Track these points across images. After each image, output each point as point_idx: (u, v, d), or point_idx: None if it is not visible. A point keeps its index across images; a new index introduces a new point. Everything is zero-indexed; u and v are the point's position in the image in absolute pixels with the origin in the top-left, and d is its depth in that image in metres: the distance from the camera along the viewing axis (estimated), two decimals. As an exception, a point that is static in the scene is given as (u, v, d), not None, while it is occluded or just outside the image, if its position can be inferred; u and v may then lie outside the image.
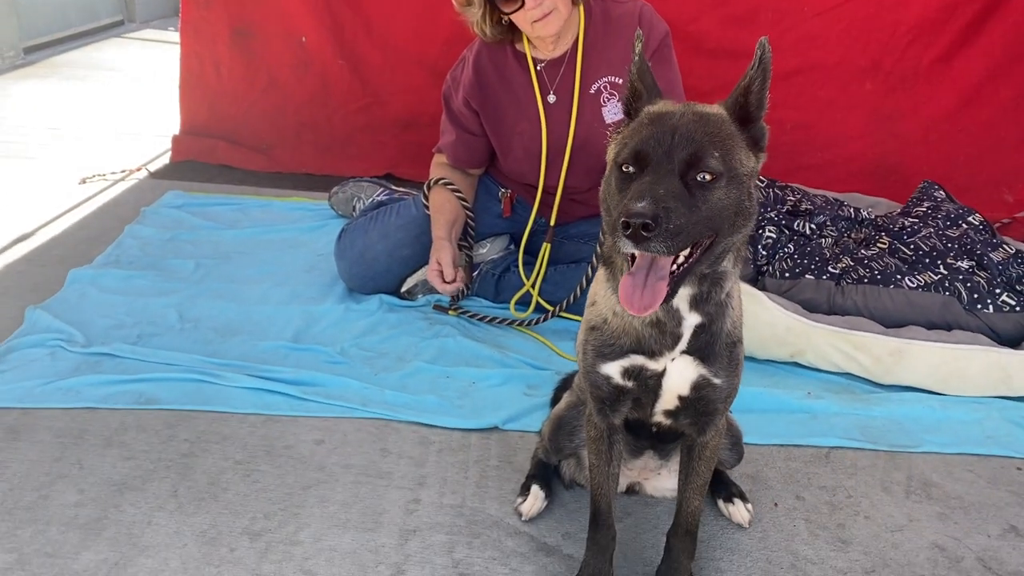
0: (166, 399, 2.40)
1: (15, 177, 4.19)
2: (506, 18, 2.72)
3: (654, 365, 1.55)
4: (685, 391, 1.58)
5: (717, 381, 1.57)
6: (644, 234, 1.24)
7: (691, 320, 1.50)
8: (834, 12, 4.07)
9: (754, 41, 1.39)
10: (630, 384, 1.59)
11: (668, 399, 1.60)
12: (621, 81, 2.82)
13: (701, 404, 1.60)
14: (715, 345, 1.54)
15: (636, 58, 1.50)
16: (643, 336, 1.53)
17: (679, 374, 1.56)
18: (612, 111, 2.83)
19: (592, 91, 2.84)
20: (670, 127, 1.36)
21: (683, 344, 1.52)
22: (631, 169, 1.36)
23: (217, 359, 2.60)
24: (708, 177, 1.33)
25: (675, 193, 1.29)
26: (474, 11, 2.74)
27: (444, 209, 2.97)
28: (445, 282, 2.87)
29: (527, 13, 2.63)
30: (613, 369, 1.58)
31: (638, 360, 1.55)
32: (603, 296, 1.60)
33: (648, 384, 1.58)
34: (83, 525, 1.92)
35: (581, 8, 2.80)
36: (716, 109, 1.43)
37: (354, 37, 4.37)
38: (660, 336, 1.51)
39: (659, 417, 1.65)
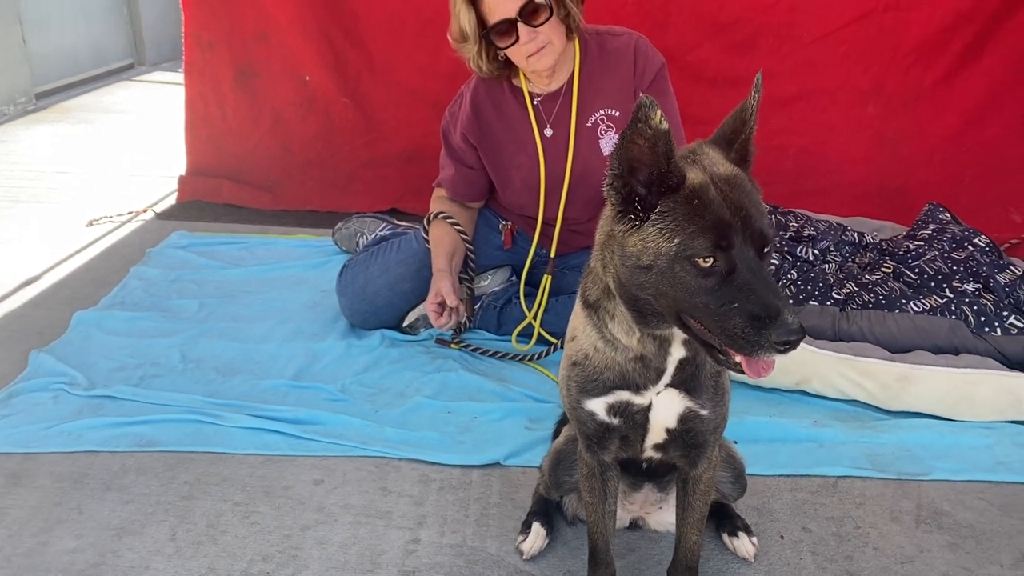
0: (166, 441, 2.40)
1: (24, 221, 4.24)
2: (502, 54, 2.74)
3: (639, 400, 1.54)
4: (672, 423, 1.56)
5: (704, 412, 1.55)
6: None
7: (676, 354, 1.48)
8: (834, 36, 4.08)
9: (754, 69, 1.37)
10: (616, 421, 1.56)
11: (656, 433, 1.58)
12: (618, 114, 2.82)
13: (690, 436, 1.58)
14: (700, 376, 1.53)
15: (660, 142, 1.28)
16: (627, 371, 1.51)
17: (665, 408, 1.54)
18: (609, 143, 2.83)
19: (589, 124, 2.84)
20: (730, 205, 1.29)
21: (667, 378, 1.51)
22: (711, 262, 1.28)
23: (217, 399, 2.60)
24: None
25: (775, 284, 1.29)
26: (470, 47, 2.75)
27: (443, 242, 2.97)
28: (441, 315, 2.86)
29: (522, 48, 2.64)
30: (597, 406, 1.56)
31: (623, 396, 1.53)
32: (583, 332, 1.57)
33: (635, 420, 1.56)
34: (80, 571, 1.91)
35: (576, 42, 2.82)
36: (734, 169, 1.36)
37: (357, 74, 4.42)
38: (644, 370, 1.50)
39: (649, 452, 1.63)
